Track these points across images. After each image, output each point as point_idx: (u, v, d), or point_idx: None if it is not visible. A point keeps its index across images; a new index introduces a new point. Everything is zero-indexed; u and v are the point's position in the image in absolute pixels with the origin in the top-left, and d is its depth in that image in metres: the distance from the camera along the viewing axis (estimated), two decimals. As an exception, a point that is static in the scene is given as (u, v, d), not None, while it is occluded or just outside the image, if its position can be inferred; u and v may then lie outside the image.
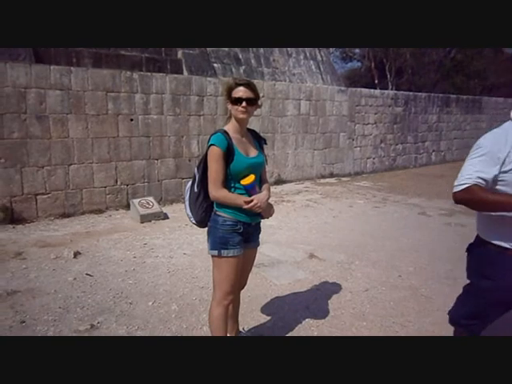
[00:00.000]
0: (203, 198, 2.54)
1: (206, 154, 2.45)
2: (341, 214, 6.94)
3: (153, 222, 6.27)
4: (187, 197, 2.65)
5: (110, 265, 4.52)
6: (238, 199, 2.42)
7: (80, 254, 4.81)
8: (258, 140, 2.67)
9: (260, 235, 2.71)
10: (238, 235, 2.49)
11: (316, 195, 8.29)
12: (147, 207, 6.40)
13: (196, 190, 2.55)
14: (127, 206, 6.77)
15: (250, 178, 2.45)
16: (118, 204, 6.91)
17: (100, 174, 6.70)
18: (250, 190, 2.46)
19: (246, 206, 2.41)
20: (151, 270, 4.38)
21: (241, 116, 2.44)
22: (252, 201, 2.41)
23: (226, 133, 2.44)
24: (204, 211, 2.56)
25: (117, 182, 6.89)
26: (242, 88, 2.43)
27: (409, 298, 3.81)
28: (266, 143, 2.75)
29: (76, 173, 6.48)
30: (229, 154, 2.40)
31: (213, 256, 2.52)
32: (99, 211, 6.70)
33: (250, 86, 2.46)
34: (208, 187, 2.43)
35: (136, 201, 6.44)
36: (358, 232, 5.87)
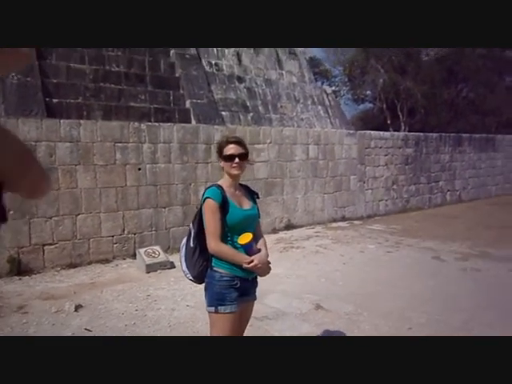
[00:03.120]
0: (199, 253, 2.53)
1: (201, 209, 2.48)
2: (351, 260, 6.76)
3: (159, 271, 6.19)
4: (183, 253, 2.62)
5: (110, 318, 4.42)
6: (238, 256, 2.42)
7: (82, 306, 4.73)
8: (251, 194, 2.71)
9: (257, 288, 2.66)
10: (235, 291, 2.45)
11: (326, 240, 8.14)
12: (153, 256, 6.34)
13: (192, 245, 2.55)
14: (134, 255, 6.73)
15: (248, 237, 2.44)
16: (125, 253, 6.87)
17: (107, 223, 6.72)
18: (248, 250, 2.44)
19: (246, 266, 2.40)
20: (152, 324, 4.26)
21: (235, 172, 2.51)
22: (252, 261, 2.40)
23: (220, 187, 2.48)
24: (201, 266, 2.54)
25: (124, 231, 6.89)
26: (232, 145, 2.52)
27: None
28: (258, 197, 2.76)
29: (83, 223, 6.52)
30: (224, 206, 2.42)
31: (209, 312, 2.47)
32: (106, 261, 6.66)
33: (240, 142, 2.57)
34: (206, 241, 2.42)
35: (142, 250, 6.40)
36: (369, 280, 5.67)
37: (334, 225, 9.76)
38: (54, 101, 7.30)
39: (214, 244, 2.40)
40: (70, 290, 5.39)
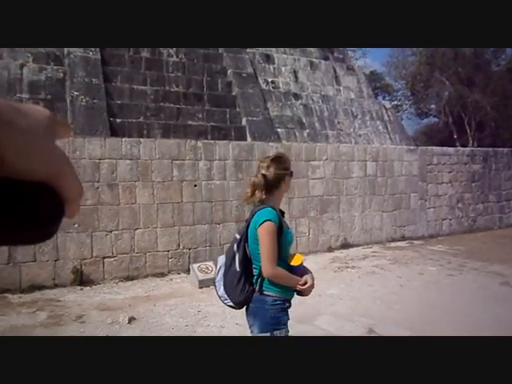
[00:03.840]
0: (246, 278, 2.41)
1: (247, 232, 2.41)
2: (409, 282, 6.43)
3: (211, 287, 6.23)
4: (219, 277, 2.48)
5: (161, 333, 4.50)
6: (293, 279, 2.38)
7: (135, 319, 4.87)
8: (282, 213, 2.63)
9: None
10: (286, 314, 2.41)
11: (384, 261, 7.82)
12: (206, 272, 6.42)
13: (238, 269, 2.41)
14: (188, 270, 6.85)
15: (300, 259, 2.42)
16: (180, 268, 7.02)
17: (164, 238, 6.92)
18: (299, 270, 2.42)
19: (301, 288, 2.37)
20: (200, 341, 4.28)
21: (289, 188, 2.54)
22: (306, 282, 2.37)
23: (274, 208, 2.40)
24: (247, 292, 2.41)
25: (179, 246, 7.05)
26: None
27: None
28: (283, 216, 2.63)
29: (141, 237, 6.75)
30: (280, 228, 2.37)
31: None
32: (161, 275, 6.84)
33: None
34: (262, 264, 2.33)
35: (196, 265, 6.51)
36: (428, 305, 5.35)
37: (393, 244, 9.37)
38: (118, 120, 7.71)
39: (271, 268, 2.31)
40: (126, 302, 5.57)
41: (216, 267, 2.50)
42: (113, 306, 5.38)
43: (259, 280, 2.39)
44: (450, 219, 10.73)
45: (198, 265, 6.54)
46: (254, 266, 2.41)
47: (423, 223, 10.19)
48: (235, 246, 2.44)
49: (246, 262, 2.41)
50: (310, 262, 7.60)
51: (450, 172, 10.72)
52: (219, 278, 2.48)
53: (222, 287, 2.45)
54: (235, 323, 4.76)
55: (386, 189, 9.58)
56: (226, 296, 2.44)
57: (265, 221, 2.30)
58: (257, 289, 2.39)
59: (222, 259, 2.51)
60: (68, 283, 6.22)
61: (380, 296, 5.76)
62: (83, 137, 6.53)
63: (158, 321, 4.85)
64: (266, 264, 2.30)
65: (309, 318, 4.85)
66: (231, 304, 2.46)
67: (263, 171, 2.38)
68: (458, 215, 10.89)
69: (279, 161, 2.44)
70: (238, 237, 2.44)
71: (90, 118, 7.34)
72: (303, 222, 8.21)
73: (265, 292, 2.38)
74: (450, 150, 11.06)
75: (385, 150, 9.73)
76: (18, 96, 7.16)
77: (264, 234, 2.30)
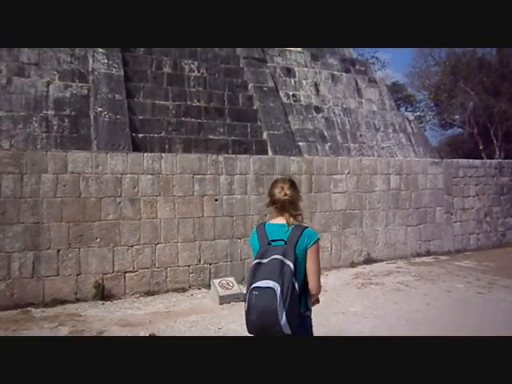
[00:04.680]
0: (299, 298, 2.21)
1: (295, 252, 2.26)
2: (436, 300, 6.21)
3: (232, 303, 6.18)
4: (281, 302, 2.10)
5: (181, 351, 4.44)
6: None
7: (155, 336, 4.83)
8: None
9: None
10: None
11: (408, 277, 7.60)
12: (227, 288, 6.36)
13: (297, 289, 2.18)
14: (209, 286, 6.80)
15: None
16: (201, 283, 6.98)
17: (184, 252, 6.90)
18: None
19: (315, 304, 2.45)
20: (220, 360, 4.20)
21: None
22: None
23: None
24: (299, 316, 2.19)
25: (200, 261, 7.02)
26: None
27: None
28: None
29: (162, 252, 6.75)
30: None
31: None
32: (182, 290, 6.81)
33: None
34: (315, 282, 2.31)
35: (216, 281, 6.45)
36: (456, 325, 5.14)
37: (418, 260, 9.12)
38: (140, 135, 7.79)
39: (320, 286, 2.30)
40: (146, 318, 5.55)
41: (250, 293, 2.19)
42: (133, 322, 5.36)
43: (302, 300, 2.25)
44: (478, 233, 10.40)
45: (219, 280, 6.49)
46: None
47: (449, 238, 9.91)
48: (287, 267, 2.19)
49: (304, 281, 2.30)
50: (332, 278, 7.50)
51: (476, 185, 10.43)
52: (280, 305, 2.10)
53: (285, 316, 2.10)
54: (256, 342, 4.67)
55: (411, 202, 9.37)
56: (287, 326, 2.11)
57: (318, 239, 2.37)
58: (301, 311, 2.22)
59: (266, 283, 2.15)
60: (90, 298, 6.25)
61: (405, 314, 5.58)
62: (106, 152, 6.60)
63: (177, 338, 4.80)
64: (319, 281, 2.31)
65: (331, 337, 4.72)
66: (288, 332, 2.13)
67: (290, 191, 2.45)
68: (485, 229, 10.56)
69: (295, 185, 2.54)
70: (279, 257, 2.20)
71: (113, 134, 7.44)
72: (325, 236, 8.07)
73: (306, 313, 2.30)
74: (477, 162, 10.77)
75: (408, 162, 9.54)
76: (44, 113, 7.33)
77: (317, 252, 2.36)
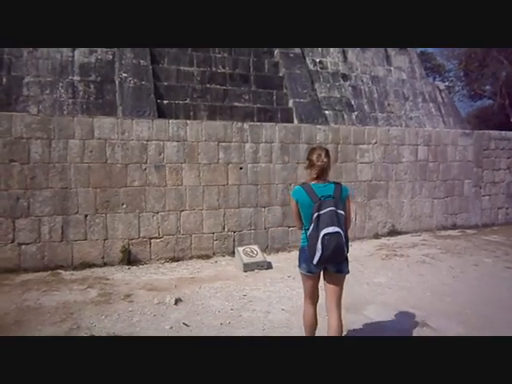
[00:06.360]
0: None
1: (340, 200, 3.12)
2: (463, 274, 6.12)
3: (256, 271, 6.22)
4: (345, 239, 3.08)
5: (207, 315, 4.51)
6: None
7: (181, 301, 4.90)
8: None
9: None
10: None
11: (434, 250, 7.49)
12: (251, 256, 6.39)
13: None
14: (233, 253, 6.85)
15: None
16: (225, 250, 7.03)
17: (209, 220, 6.93)
18: None
19: None
20: (246, 326, 4.25)
21: None
22: None
23: None
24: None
25: (224, 228, 7.05)
26: None
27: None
28: None
29: (187, 219, 6.80)
30: None
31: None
32: (206, 257, 6.88)
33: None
34: (350, 220, 3.33)
35: (241, 249, 6.48)
36: (483, 298, 5.06)
37: (444, 233, 8.97)
38: (165, 102, 7.73)
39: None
40: (172, 283, 5.63)
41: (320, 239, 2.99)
42: (159, 287, 5.45)
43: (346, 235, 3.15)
44: (507, 208, 10.13)
45: (243, 248, 6.52)
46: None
47: (477, 211, 9.69)
48: (340, 215, 3.05)
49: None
50: (356, 249, 7.45)
51: (508, 158, 10.09)
52: (344, 243, 3.05)
53: (346, 250, 3.10)
54: (281, 309, 4.71)
55: (438, 174, 9.14)
56: (346, 255, 3.16)
57: (350, 191, 3.31)
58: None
59: (333, 229, 2.99)
60: (116, 262, 6.38)
61: (430, 287, 5.52)
62: (131, 118, 6.58)
63: (203, 303, 4.87)
64: (350, 222, 3.35)
65: (357, 307, 4.71)
66: (344, 261, 3.19)
67: (326, 159, 3.17)
68: (515, 204, 10.27)
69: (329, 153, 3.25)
70: (334, 209, 3.01)
71: (138, 100, 7.40)
72: (350, 207, 7.97)
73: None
74: (510, 134, 10.37)
75: (438, 133, 9.25)
76: (70, 78, 7.32)
77: (350, 201, 3.30)
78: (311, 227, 3.03)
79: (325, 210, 3.00)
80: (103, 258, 6.36)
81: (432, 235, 8.72)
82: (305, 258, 3.20)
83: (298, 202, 3.19)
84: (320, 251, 2.99)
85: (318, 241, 2.98)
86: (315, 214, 3.00)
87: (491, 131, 10.26)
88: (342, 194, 3.13)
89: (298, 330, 4.09)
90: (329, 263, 3.12)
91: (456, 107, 12.47)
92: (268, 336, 4.00)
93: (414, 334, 4.06)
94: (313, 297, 3.37)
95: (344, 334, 3.77)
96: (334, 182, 3.18)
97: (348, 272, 3.26)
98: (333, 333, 3.20)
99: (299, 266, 3.32)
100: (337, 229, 2.97)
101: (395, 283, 5.65)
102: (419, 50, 26.47)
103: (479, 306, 4.83)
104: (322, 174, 3.12)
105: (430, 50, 28.09)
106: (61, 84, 7.24)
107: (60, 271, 6.03)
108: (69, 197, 6.17)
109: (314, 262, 3.06)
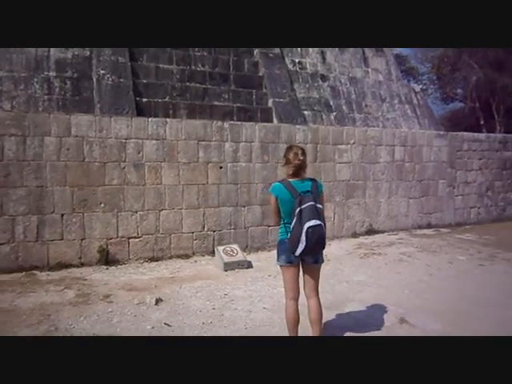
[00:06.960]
0: None
1: (318, 195, 3.35)
2: (439, 271, 6.27)
3: (236, 270, 6.20)
4: (325, 231, 3.32)
5: (188, 315, 4.47)
6: None
7: (162, 300, 4.85)
8: None
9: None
10: None
11: (411, 248, 7.64)
12: (231, 255, 6.37)
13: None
14: (212, 253, 6.82)
15: None
16: (204, 250, 6.99)
17: (188, 219, 6.88)
18: None
19: None
20: (228, 325, 4.24)
21: None
22: None
23: None
24: None
25: (204, 228, 7.01)
26: None
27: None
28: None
29: (166, 218, 6.73)
30: None
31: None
32: (186, 256, 6.82)
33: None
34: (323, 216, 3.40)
35: (221, 248, 6.46)
36: (458, 295, 5.20)
37: (419, 232, 9.17)
38: (144, 100, 7.63)
39: None
40: (152, 283, 5.56)
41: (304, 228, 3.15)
42: (139, 287, 5.38)
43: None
44: (479, 207, 10.44)
45: (223, 247, 6.50)
46: None
47: (450, 211, 9.94)
48: (319, 208, 3.28)
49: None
50: (334, 247, 7.54)
51: (480, 159, 10.39)
52: (324, 234, 3.31)
53: (326, 240, 3.37)
54: (263, 307, 4.71)
55: (414, 175, 9.34)
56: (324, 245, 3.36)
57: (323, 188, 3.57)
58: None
59: (315, 222, 3.19)
60: (94, 262, 6.26)
61: (408, 284, 5.63)
62: (110, 116, 6.47)
63: (184, 303, 4.82)
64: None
65: (338, 305, 4.76)
66: (322, 248, 3.38)
67: (303, 157, 3.36)
68: (486, 203, 10.59)
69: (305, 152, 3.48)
70: (313, 203, 3.20)
71: (117, 97, 7.28)
72: (328, 206, 8.06)
73: None
74: (482, 135, 10.69)
75: (414, 134, 9.45)
76: (45, 74, 7.14)
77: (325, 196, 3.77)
78: (294, 221, 3.19)
79: (306, 205, 3.18)
80: (80, 258, 6.23)
81: (408, 234, 8.90)
82: (284, 249, 3.35)
83: (277, 198, 3.34)
84: (304, 243, 3.15)
85: (301, 233, 3.14)
86: (297, 209, 3.17)
87: (464, 133, 10.55)
88: (318, 189, 3.36)
89: (279, 328, 4.10)
90: (309, 254, 3.31)
91: (431, 109, 12.77)
92: (251, 336, 4.00)
93: (394, 330, 4.13)
94: (294, 289, 3.42)
95: (326, 331, 3.81)
96: (310, 179, 3.40)
97: (323, 261, 3.50)
98: (314, 314, 3.39)
99: (278, 259, 3.45)
100: (318, 222, 3.17)
101: (374, 281, 5.74)
102: (395, 52, 27.01)
103: (455, 302, 4.95)
104: (298, 172, 3.32)
105: (404, 53, 28.69)
106: (36, 79, 7.05)
107: (35, 272, 5.87)
108: (44, 196, 6.01)
109: (297, 253, 3.21)
